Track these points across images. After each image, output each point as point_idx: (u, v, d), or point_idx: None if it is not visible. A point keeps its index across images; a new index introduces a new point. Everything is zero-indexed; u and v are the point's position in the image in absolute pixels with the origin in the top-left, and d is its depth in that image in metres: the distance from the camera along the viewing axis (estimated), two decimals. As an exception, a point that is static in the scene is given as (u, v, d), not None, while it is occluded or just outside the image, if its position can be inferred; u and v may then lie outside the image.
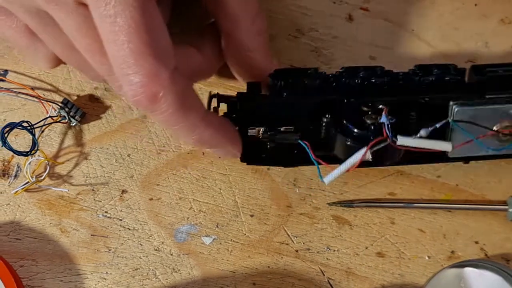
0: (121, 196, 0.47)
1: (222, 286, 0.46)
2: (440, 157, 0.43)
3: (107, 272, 0.46)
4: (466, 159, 0.45)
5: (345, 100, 0.41)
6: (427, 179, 0.47)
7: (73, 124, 0.47)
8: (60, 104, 0.46)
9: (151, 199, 0.47)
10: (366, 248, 0.46)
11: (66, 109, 0.46)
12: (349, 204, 0.46)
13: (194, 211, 0.47)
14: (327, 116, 0.41)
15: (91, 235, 0.46)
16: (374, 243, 0.46)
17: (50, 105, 0.46)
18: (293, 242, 0.46)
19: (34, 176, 0.46)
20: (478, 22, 0.48)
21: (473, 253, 0.46)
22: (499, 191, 0.47)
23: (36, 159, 0.46)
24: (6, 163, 0.47)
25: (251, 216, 0.47)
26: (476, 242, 0.46)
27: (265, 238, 0.47)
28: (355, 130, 0.40)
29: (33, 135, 0.45)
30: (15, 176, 0.47)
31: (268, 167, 0.47)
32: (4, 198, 0.47)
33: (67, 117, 0.46)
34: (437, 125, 0.40)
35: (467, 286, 0.43)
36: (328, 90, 0.41)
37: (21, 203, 0.47)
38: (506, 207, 0.46)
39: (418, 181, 0.47)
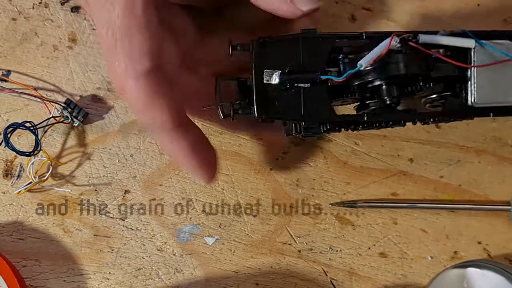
0: (124, 196, 0.47)
1: (225, 286, 0.46)
2: (465, 110, 0.41)
3: (110, 272, 0.46)
4: (493, 112, 0.41)
5: (364, 36, 0.39)
6: (430, 179, 0.47)
7: (76, 125, 0.47)
8: (63, 105, 0.46)
9: (154, 199, 0.47)
10: (369, 248, 0.46)
11: (69, 110, 0.46)
12: (352, 204, 0.46)
13: (197, 211, 0.47)
14: (342, 55, 0.40)
15: (94, 235, 0.46)
16: (376, 243, 0.46)
17: (53, 106, 0.46)
18: (295, 242, 0.46)
19: (37, 176, 0.46)
20: (481, 22, 0.48)
21: (476, 254, 0.46)
22: (502, 191, 0.47)
23: (39, 159, 0.46)
24: (9, 163, 0.47)
25: (254, 216, 0.47)
26: (479, 243, 0.46)
27: (267, 238, 0.47)
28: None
29: (36, 135, 0.45)
30: (18, 176, 0.47)
31: (271, 167, 0.47)
32: (7, 198, 0.47)
33: (69, 118, 0.46)
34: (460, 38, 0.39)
35: (470, 286, 0.42)
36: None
37: (24, 203, 0.47)
38: (509, 207, 0.46)
39: (421, 181, 0.47)
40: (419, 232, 0.46)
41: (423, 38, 0.39)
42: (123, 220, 0.47)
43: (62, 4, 0.48)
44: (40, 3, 0.48)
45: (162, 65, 0.38)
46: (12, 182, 0.47)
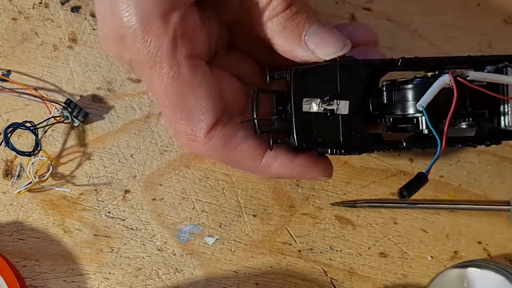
0: (124, 196, 0.47)
1: (225, 286, 0.46)
2: (497, 134, 0.40)
3: (110, 272, 0.46)
4: None
5: (400, 60, 0.39)
6: (430, 179, 0.46)
7: (76, 124, 0.47)
8: (63, 104, 0.46)
9: (154, 199, 0.47)
10: (369, 248, 0.46)
11: (69, 109, 0.46)
12: (352, 204, 0.46)
13: (197, 211, 0.47)
14: (385, 83, 0.39)
15: (94, 235, 0.46)
16: (377, 243, 0.46)
17: (53, 105, 0.46)
18: (296, 242, 0.46)
19: (37, 176, 0.46)
20: (481, 22, 0.48)
21: (476, 253, 0.46)
22: (502, 191, 0.47)
23: (39, 159, 0.46)
24: (9, 163, 0.47)
25: (254, 216, 0.47)
26: (479, 242, 0.46)
27: (268, 238, 0.47)
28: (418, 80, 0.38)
29: (36, 135, 0.45)
30: (18, 176, 0.47)
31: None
32: (7, 198, 0.47)
33: (70, 117, 0.46)
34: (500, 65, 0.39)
35: (470, 286, 0.43)
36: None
37: (24, 203, 0.47)
38: (509, 207, 0.46)
39: (421, 181, 0.47)
40: (419, 232, 0.46)
41: (472, 75, 0.38)
42: (123, 220, 0.47)
43: (62, 4, 0.48)
44: (40, 3, 0.48)
45: (227, 109, 0.38)
46: (12, 182, 0.47)
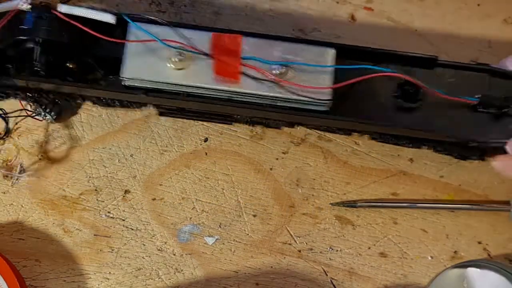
0: (124, 196, 0.47)
1: (225, 286, 0.46)
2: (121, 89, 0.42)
3: (110, 272, 0.46)
4: (144, 92, 0.42)
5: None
6: (430, 179, 0.47)
7: (49, 121, 0.47)
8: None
9: (154, 199, 0.47)
10: (369, 248, 0.46)
11: (43, 106, 0.46)
12: (352, 204, 0.46)
13: (197, 211, 0.47)
14: None
15: (94, 235, 0.46)
16: (377, 243, 0.46)
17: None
18: (296, 242, 0.46)
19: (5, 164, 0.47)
20: (481, 22, 0.48)
21: (476, 253, 0.46)
22: (502, 191, 0.47)
23: (7, 146, 0.47)
24: (8, 163, 0.47)
25: (254, 216, 0.47)
26: (479, 242, 0.46)
27: (268, 238, 0.47)
28: None
29: (6, 122, 0.45)
30: (19, 174, 0.47)
31: (271, 166, 0.47)
32: (7, 198, 0.47)
33: (42, 113, 0.46)
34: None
35: (470, 286, 0.42)
36: None
37: (24, 203, 0.47)
38: (509, 207, 0.46)
39: (421, 181, 0.47)
40: (419, 232, 0.46)
41: (64, 8, 0.39)
42: (123, 220, 0.47)
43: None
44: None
45: None
46: (12, 183, 0.47)
